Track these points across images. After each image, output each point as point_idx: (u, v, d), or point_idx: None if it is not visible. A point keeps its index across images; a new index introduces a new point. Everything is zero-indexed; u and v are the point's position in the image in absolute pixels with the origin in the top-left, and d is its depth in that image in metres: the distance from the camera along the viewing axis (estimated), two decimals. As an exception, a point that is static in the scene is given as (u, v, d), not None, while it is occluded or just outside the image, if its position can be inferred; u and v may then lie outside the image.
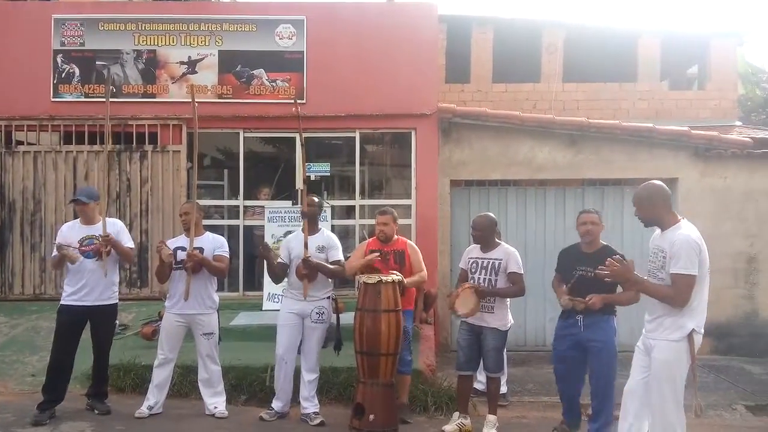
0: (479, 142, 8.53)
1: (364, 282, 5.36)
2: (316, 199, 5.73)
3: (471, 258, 5.46)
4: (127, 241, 5.65)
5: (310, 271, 5.39)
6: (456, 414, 5.46)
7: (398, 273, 5.43)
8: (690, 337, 3.85)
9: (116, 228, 5.64)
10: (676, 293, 3.84)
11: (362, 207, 8.56)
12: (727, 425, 5.96)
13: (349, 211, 8.80)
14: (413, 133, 8.34)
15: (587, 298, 4.89)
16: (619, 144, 8.52)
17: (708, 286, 4.00)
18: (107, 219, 5.70)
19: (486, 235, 5.39)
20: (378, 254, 5.57)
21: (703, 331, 3.95)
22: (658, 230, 4.15)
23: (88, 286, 5.43)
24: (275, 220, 8.04)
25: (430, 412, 5.84)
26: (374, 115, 8.23)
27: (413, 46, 8.29)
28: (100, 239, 5.38)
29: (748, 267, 8.46)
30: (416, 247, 5.79)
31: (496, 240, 5.48)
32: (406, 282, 5.48)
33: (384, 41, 8.29)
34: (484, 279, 5.30)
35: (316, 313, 5.49)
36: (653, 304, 4.03)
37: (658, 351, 3.94)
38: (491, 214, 5.59)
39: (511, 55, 12.09)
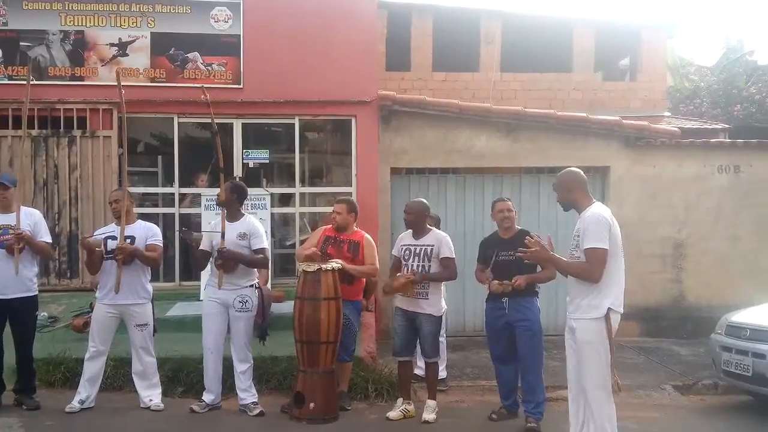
0: (419, 130, 8.55)
1: (303, 270, 5.31)
2: (232, 185, 5.61)
3: (404, 245, 5.49)
4: (44, 235, 5.43)
5: (224, 261, 5.31)
6: (400, 400, 5.51)
7: (339, 261, 5.39)
8: (607, 315, 4.00)
9: (33, 219, 5.41)
10: (590, 267, 4.00)
11: (302, 195, 8.47)
12: (656, 404, 6.19)
13: (289, 199, 8.69)
14: (353, 121, 8.28)
15: (513, 280, 5.07)
16: (555, 133, 8.70)
17: (623, 266, 4.16)
18: (25, 209, 5.44)
19: (418, 219, 5.44)
20: (325, 249, 5.53)
21: (621, 310, 4.10)
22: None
23: (3, 278, 5.20)
24: (212, 208, 7.84)
25: (370, 398, 5.86)
26: (314, 102, 8.13)
27: (353, 32, 8.21)
28: (14, 234, 5.14)
29: (675, 252, 8.80)
30: (373, 242, 5.74)
31: (428, 226, 5.53)
32: (351, 269, 5.45)
33: (323, 27, 8.17)
34: (418, 265, 5.35)
35: (239, 302, 5.40)
36: (571, 286, 4.20)
37: (579, 332, 4.10)
38: (424, 200, 5.66)
39: (450, 44, 12.17)
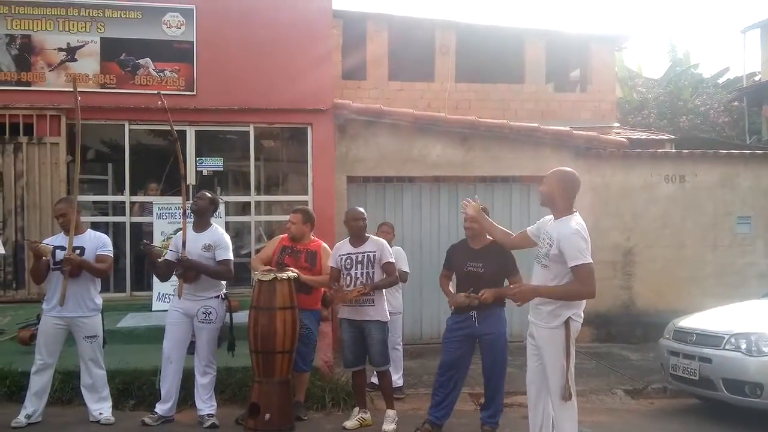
0: (375, 138, 8.58)
1: (258, 279, 5.25)
2: (208, 195, 5.56)
3: (343, 255, 5.41)
4: None
5: (185, 270, 5.24)
6: (356, 409, 5.49)
7: (295, 270, 5.36)
8: (567, 323, 4.03)
9: None
10: (581, 284, 3.97)
11: (258, 203, 8.39)
12: (607, 408, 6.32)
13: (244, 208, 8.60)
14: (309, 129, 8.25)
15: (480, 294, 4.98)
16: (507, 143, 8.84)
17: None
18: None
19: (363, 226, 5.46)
20: (281, 258, 5.53)
21: (581, 319, 4.13)
22: (549, 217, 4.29)
23: None
24: (165, 217, 7.71)
25: (327, 408, 5.83)
26: (268, 110, 8.05)
27: (308, 40, 8.17)
28: None
29: (625, 259, 9.04)
30: (330, 252, 5.68)
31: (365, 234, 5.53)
32: (307, 280, 5.42)
33: (278, 34, 8.11)
34: (362, 273, 5.32)
35: (203, 313, 5.32)
36: None
37: (540, 339, 4.15)
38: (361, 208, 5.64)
39: (406, 53, 12.27)
